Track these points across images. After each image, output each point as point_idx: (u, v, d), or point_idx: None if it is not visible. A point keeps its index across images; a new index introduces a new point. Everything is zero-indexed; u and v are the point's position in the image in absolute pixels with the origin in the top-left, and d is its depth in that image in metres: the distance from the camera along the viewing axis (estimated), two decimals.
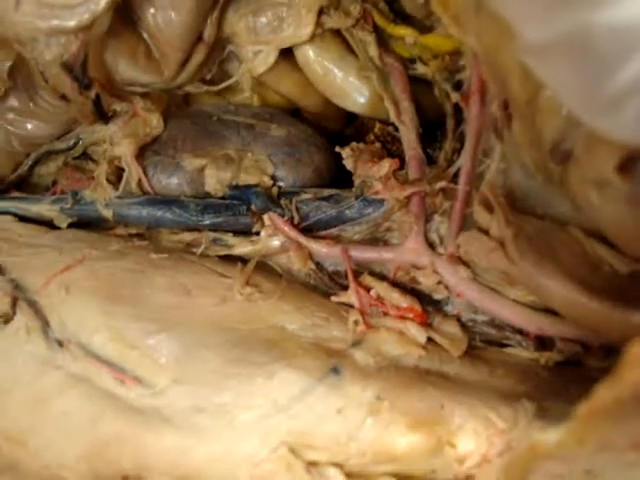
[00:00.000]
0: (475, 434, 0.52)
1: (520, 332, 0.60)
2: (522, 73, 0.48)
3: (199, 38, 0.65)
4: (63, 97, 0.63)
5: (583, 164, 0.46)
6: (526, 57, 0.38)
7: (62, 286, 0.58)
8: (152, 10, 0.62)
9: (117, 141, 0.66)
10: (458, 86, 0.62)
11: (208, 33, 0.65)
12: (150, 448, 0.53)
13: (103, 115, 0.66)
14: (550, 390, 0.55)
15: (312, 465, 0.52)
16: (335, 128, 0.75)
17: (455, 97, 0.62)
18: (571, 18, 0.34)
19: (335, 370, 0.54)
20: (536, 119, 0.49)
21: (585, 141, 0.45)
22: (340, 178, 0.67)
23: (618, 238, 0.50)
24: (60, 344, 0.56)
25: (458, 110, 0.63)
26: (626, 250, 0.51)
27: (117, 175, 0.67)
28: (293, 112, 0.74)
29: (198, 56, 0.66)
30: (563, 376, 0.58)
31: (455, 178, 0.60)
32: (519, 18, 0.37)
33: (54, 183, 0.70)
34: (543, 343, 0.59)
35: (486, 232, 0.57)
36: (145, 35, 0.64)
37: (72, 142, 0.69)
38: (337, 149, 0.65)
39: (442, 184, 0.59)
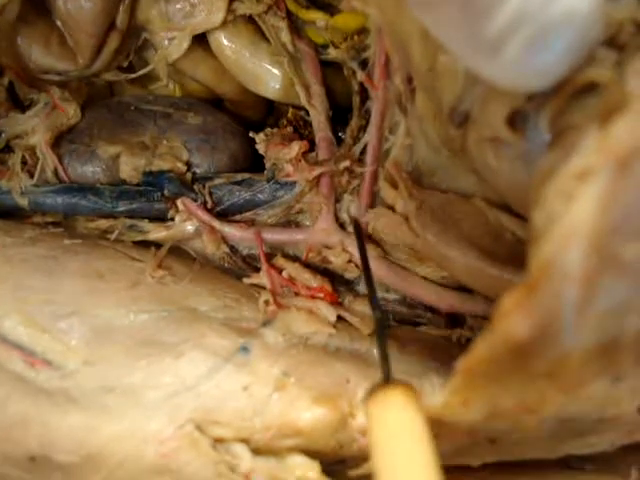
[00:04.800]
0: None
1: (431, 310, 0.61)
2: (422, 39, 0.48)
3: (112, 25, 0.65)
4: None
5: (479, 123, 0.46)
6: (416, 9, 0.39)
7: None
8: None
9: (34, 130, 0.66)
10: (365, 64, 0.63)
11: (120, 20, 0.65)
12: (55, 427, 0.53)
13: (19, 103, 0.66)
14: None
15: (218, 441, 0.52)
16: (256, 117, 0.76)
17: (361, 74, 0.62)
18: None
19: (244, 349, 0.54)
20: (436, 86, 0.49)
21: (481, 100, 0.45)
22: (259, 165, 0.67)
23: (517, 201, 0.50)
24: None
25: (365, 89, 0.63)
26: (527, 214, 0.51)
27: (35, 164, 0.67)
28: (215, 102, 0.75)
29: (112, 43, 0.66)
30: None
31: (362, 156, 0.61)
32: None
33: None
34: (454, 320, 0.61)
35: (392, 208, 0.58)
36: (58, 22, 0.65)
37: None
38: (251, 134, 0.65)
39: (346, 163, 0.60)
